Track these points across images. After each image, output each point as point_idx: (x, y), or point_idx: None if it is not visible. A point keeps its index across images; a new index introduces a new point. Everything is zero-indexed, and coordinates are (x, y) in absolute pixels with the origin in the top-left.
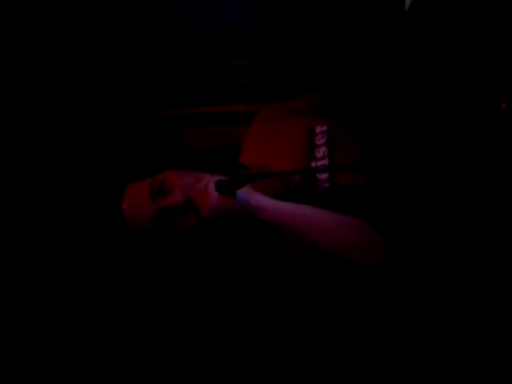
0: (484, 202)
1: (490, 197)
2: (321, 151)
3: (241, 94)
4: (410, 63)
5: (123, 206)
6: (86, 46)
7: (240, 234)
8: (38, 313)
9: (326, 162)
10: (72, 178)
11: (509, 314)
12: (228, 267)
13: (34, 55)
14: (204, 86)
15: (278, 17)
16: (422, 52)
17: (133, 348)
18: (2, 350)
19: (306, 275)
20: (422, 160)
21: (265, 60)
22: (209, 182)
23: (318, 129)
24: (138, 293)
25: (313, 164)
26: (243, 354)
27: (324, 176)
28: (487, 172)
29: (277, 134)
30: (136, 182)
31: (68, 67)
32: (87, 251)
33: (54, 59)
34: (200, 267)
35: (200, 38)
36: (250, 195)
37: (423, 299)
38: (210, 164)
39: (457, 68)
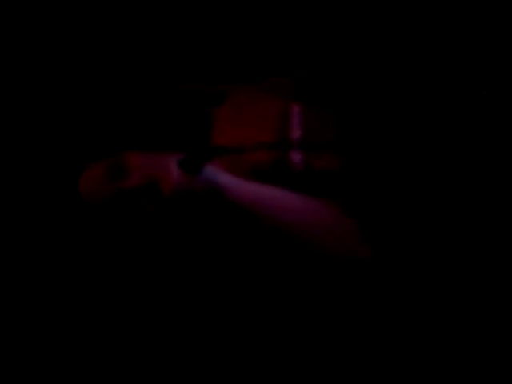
0: (461, 188)
1: (467, 183)
2: (295, 133)
3: (213, 74)
4: (388, 50)
5: (79, 186)
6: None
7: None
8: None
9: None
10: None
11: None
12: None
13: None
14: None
15: None
16: (400, 38)
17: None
18: None
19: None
20: (398, 145)
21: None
22: (171, 161)
23: (292, 110)
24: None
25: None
26: (233, 354)
27: (298, 159)
28: (465, 158)
29: (249, 115)
30: (96, 162)
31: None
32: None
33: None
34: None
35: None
36: (217, 173)
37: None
38: (179, 147)
39: (434, 53)
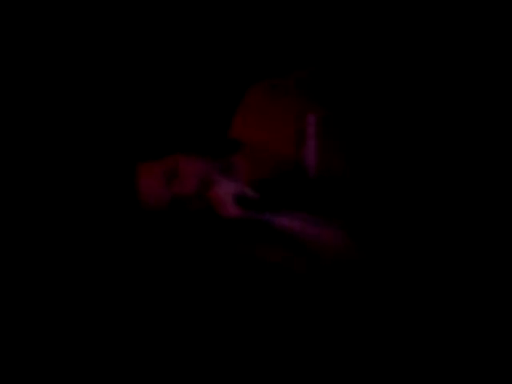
0: (466, 206)
1: (472, 201)
2: (310, 141)
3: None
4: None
5: (139, 188)
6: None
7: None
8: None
9: (314, 154)
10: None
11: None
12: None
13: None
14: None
15: None
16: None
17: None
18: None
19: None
20: (410, 161)
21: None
22: (226, 193)
23: (309, 117)
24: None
25: (304, 151)
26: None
27: (313, 164)
28: (470, 176)
29: (269, 114)
30: (148, 163)
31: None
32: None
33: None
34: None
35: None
36: (276, 218)
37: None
38: (199, 139)
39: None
